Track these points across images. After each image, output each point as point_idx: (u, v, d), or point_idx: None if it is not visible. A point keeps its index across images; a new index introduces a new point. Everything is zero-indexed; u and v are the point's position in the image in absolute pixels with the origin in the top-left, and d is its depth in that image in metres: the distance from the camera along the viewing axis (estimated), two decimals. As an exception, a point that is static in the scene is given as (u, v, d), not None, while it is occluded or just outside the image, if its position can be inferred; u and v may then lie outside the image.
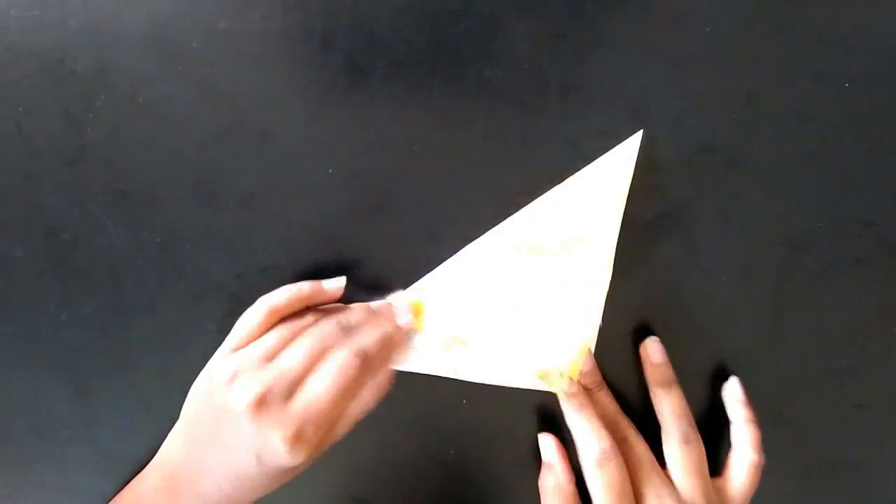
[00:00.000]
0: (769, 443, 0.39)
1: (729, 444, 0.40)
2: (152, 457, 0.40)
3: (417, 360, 0.41)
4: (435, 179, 0.41)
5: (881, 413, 0.42)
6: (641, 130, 0.40)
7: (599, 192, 0.40)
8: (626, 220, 0.41)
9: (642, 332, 0.41)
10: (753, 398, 0.40)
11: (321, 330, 0.37)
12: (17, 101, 0.42)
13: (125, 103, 0.41)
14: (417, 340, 0.41)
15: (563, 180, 0.40)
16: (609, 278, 0.40)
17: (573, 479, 0.41)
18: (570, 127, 0.40)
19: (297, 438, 0.35)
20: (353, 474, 0.42)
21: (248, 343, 0.37)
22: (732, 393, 0.41)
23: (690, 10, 0.40)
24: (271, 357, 0.36)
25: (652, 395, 0.41)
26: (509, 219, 0.41)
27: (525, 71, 0.41)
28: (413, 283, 0.41)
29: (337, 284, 0.40)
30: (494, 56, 0.40)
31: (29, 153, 0.42)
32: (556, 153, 0.41)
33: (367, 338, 0.38)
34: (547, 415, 0.42)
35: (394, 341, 0.39)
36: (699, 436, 0.40)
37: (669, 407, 0.40)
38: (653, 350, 0.41)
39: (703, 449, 0.39)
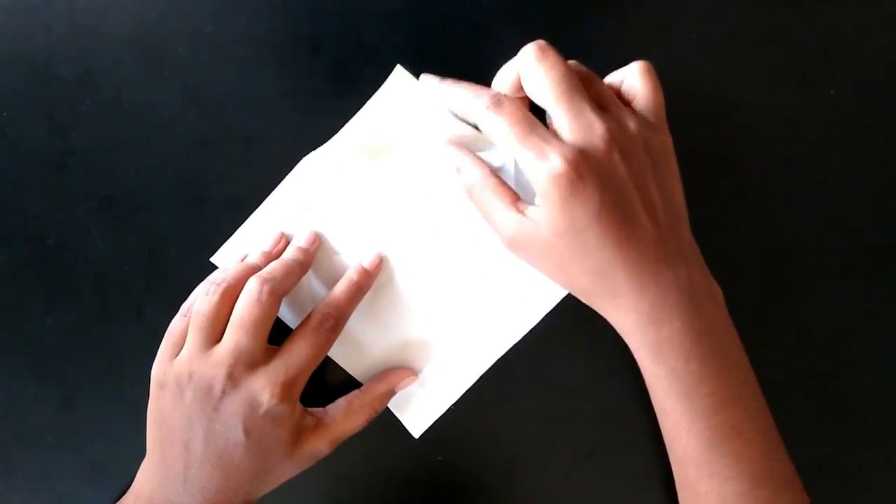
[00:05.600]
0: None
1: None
2: (138, 464, 0.40)
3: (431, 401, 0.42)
4: (422, 185, 0.41)
5: (865, 418, 0.42)
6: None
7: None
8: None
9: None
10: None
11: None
12: (1, 105, 0.41)
13: (110, 108, 0.41)
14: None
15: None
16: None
17: (488, 168, 0.37)
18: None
19: (283, 387, 0.36)
20: (339, 480, 0.42)
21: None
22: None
23: (677, 18, 0.40)
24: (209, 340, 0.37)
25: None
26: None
27: (512, 77, 0.41)
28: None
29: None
30: (481, 63, 0.40)
31: (14, 158, 0.42)
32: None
33: (272, 266, 0.38)
34: (533, 421, 0.42)
35: (301, 265, 0.39)
36: (564, 61, 0.34)
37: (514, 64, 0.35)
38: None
39: (569, 69, 0.34)
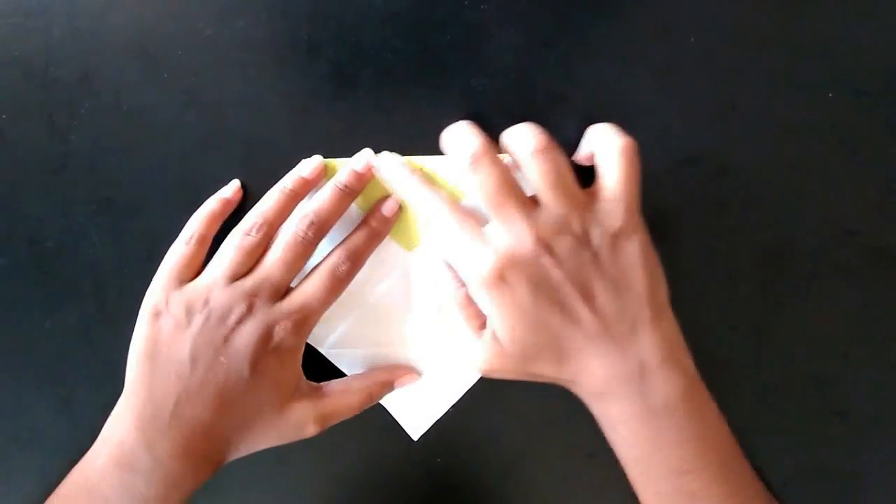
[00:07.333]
0: (752, 450, 0.40)
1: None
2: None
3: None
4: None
5: (864, 420, 0.42)
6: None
7: None
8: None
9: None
10: (738, 406, 0.40)
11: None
12: (0, 108, 0.41)
13: (109, 111, 0.41)
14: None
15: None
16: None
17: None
18: (556, 136, 0.40)
19: (297, 323, 0.36)
20: (338, 483, 0.42)
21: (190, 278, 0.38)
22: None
23: (675, 21, 0.40)
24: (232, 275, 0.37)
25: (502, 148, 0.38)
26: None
27: (511, 80, 0.41)
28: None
29: (234, 188, 0.40)
30: (481, 65, 0.41)
31: (12, 161, 0.42)
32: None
33: (321, 198, 0.38)
34: (532, 423, 0.42)
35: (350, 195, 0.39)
36: (559, 149, 0.36)
37: (514, 136, 0.37)
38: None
39: (565, 159, 0.36)
